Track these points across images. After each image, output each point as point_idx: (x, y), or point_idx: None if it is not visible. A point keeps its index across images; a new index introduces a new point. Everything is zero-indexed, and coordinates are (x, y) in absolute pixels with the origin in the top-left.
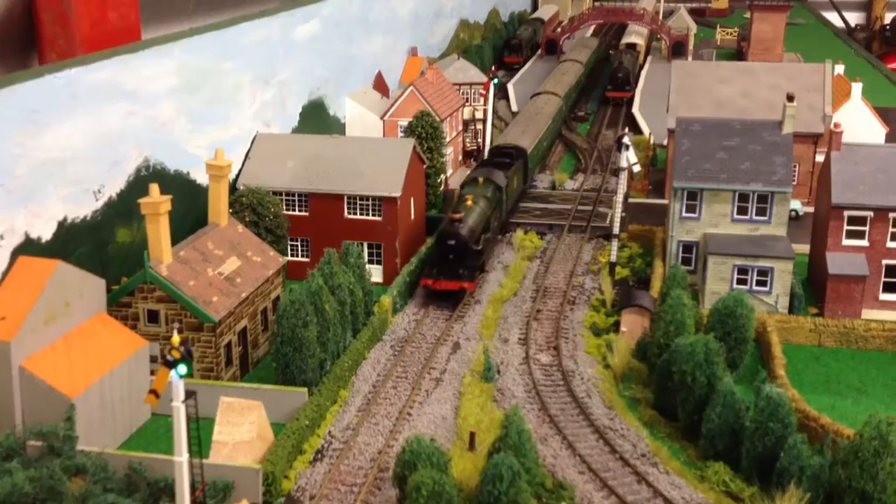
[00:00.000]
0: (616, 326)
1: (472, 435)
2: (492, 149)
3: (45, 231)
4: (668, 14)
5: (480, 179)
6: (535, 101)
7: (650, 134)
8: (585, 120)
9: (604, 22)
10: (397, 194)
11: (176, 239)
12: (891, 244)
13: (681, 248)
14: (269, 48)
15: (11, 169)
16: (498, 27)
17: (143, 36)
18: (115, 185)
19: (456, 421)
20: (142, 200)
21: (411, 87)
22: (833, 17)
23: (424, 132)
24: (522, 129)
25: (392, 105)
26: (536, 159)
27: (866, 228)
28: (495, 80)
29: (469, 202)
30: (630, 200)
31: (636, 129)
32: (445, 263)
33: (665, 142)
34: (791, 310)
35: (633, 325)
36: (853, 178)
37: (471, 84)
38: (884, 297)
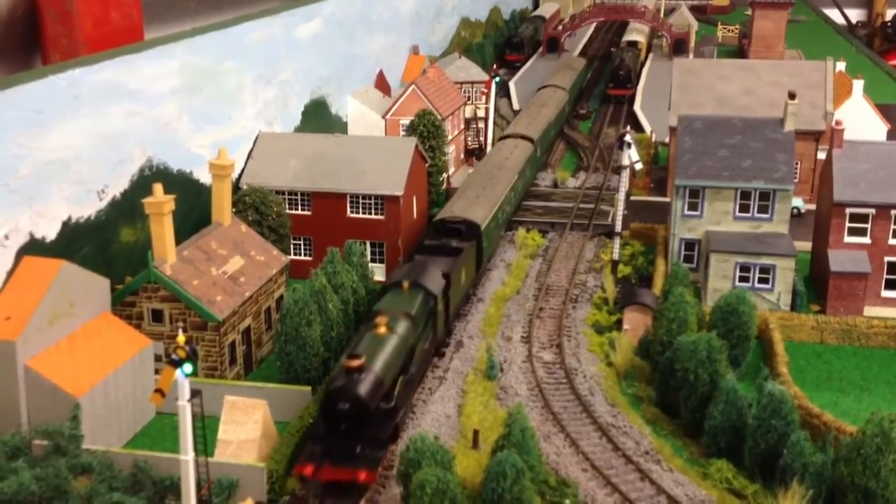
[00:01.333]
0: (618, 324)
1: (475, 433)
2: (435, 223)
3: (49, 231)
4: (670, 11)
5: (405, 285)
6: (500, 148)
7: (652, 132)
8: (587, 118)
9: (605, 20)
10: (399, 193)
11: (179, 238)
12: (893, 241)
13: (683, 246)
14: (270, 47)
15: (15, 169)
16: (499, 25)
17: (145, 36)
18: (118, 185)
19: (459, 419)
20: (145, 200)
21: (413, 86)
22: (834, 14)
23: (426, 131)
24: (477, 194)
25: (394, 104)
26: (494, 235)
27: (868, 225)
28: (497, 79)
29: (381, 329)
30: (632, 198)
31: (638, 126)
32: (335, 437)
33: (667, 139)
34: (793, 307)
35: (635, 322)
36: (855, 175)
37: (472, 82)
38: (886, 294)
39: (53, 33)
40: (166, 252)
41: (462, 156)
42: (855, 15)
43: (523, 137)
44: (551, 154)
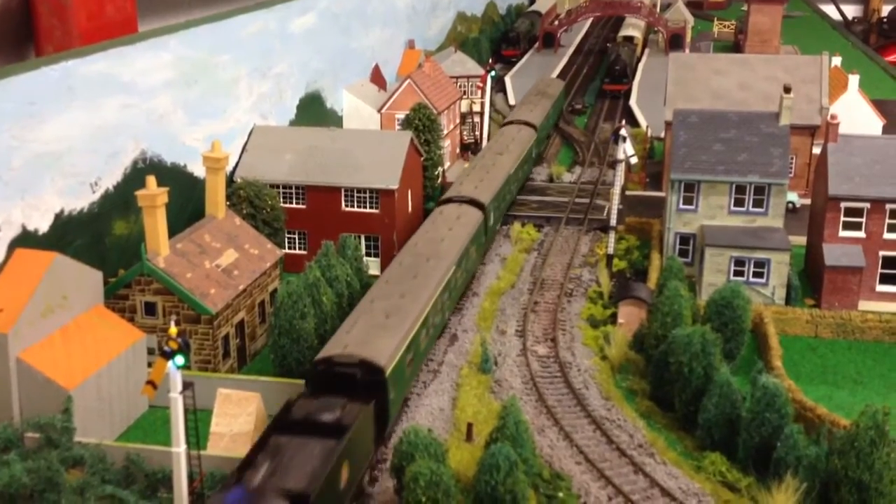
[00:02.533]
0: (613, 318)
1: (469, 426)
2: (318, 363)
3: (42, 223)
4: (666, 7)
5: None
6: (437, 219)
7: (647, 126)
8: (583, 113)
9: (601, 15)
10: (395, 187)
11: (173, 231)
12: (887, 235)
13: (678, 240)
14: (265, 40)
15: (8, 161)
16: (495, 20)
17: (139, 28)
18: (112, 178)
19: (453, 412)
20: (139, 193)
21: (409, 80)
22: (830, 9)
23: (422, 125)
24: (390, 308)
25: (389, 98)
26: (409, 378)
27: (863, 220)
28: (492, 73)
29: None
30: (627, 193)
31: (633, 121)
32: None
33: (662, 134)
34: (788, 301)
35: (630, 316)
36: (850, 169)
37: (468, 77)
38: (880, 288)
39: (48, 25)
40: (159, 245)
41: (458, 150)
42: (851, 11)
43: (471, 202)
44: (547, 149)
